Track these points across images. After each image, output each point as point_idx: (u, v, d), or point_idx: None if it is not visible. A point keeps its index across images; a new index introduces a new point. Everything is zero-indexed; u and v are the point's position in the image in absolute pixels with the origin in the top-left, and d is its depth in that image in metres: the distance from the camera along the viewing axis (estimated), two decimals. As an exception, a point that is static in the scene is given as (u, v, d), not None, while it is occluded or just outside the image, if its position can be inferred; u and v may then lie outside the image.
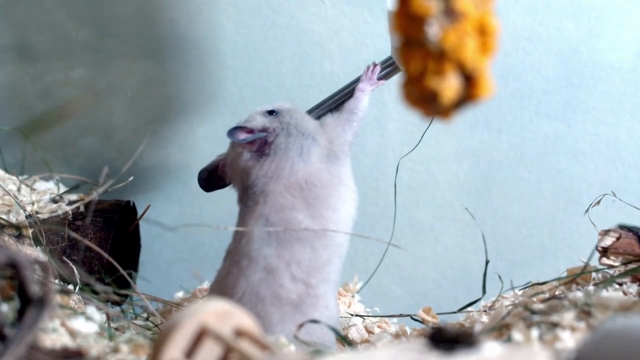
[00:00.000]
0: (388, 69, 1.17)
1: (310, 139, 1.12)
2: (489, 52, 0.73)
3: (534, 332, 0.85)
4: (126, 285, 1.30)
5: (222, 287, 1.07)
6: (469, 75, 0.72)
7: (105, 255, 1.14)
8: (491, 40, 0.72)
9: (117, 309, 1.23)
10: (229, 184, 1.18)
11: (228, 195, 1.21)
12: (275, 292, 1.04)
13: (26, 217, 1.21)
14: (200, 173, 1.20)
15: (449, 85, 0.72)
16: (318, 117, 1.18)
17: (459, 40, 0.71)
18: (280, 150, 1.11)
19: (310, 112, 1.19)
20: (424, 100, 0.73)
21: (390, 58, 1.17)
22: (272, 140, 1.12)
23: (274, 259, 1.05)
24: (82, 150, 1.54)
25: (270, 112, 1.16)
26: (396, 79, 1.16)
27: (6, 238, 1.04)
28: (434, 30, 0.71)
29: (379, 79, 1.18)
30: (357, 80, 1.18)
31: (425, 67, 0.72)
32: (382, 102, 1.46)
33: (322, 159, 1.12)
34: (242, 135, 1.12)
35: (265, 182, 1.10)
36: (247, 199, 1.11)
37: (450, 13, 0.70)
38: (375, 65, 1.18)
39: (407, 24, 0.72)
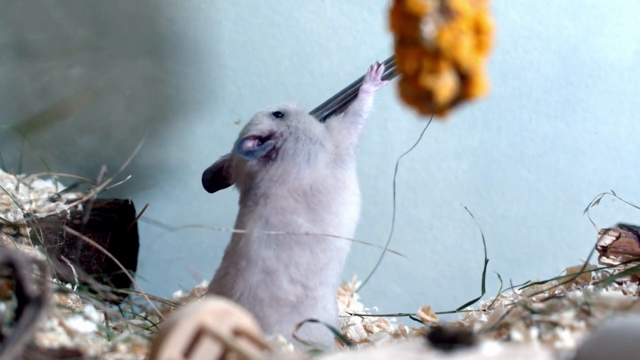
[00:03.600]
0: (391, 68, 1.16)
1: (318, 144, 1.11)
2: (484, 51, 0.72)
3: (534, 332, 0.84)
4: (124, 284, 1.30)
5: (220, 287, 1.07)
6: (464, 74, 0.72)
7: (105, 251, 1.14)
8: (487, 38, 0.72)
9: (115, 308, 1.23)
10: (232, 184, 1.18)
11: (227, 194, 1.21)
12: (273, 294, 1.04)
13: (24, 216, 1.21)
14: (205, 174, 1.19)
15: (445, 84, 0.71)
16: (323, 119, 1.17)
17: (455, 38, 0.71)
18: (288, 156, 1.10)
19: (314, 113, 1.18)
20: (419, 99, 0.73)
21: (393, 57, 1.16)
22: (279, 146, 1.11)
23: (273, 260, 1.05)
24: (80, 149, 1.53)
25: (277, 114, 1.15)
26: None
27: (4, 237, 1.04)
28: (429, 29, 0.70)
29: (383, 79, 1.16)
30: (361, 80, 1.17)
31: (421, 66, 0.72)
32: (381, 100, 1.46)
33: (329, 165, 1.11)
34: (250, 143, 1.11)
35: (269, 186, 1.09)
36: (248, 199, 1.11)
37: (446, 11, 0.70)
38: (379, 65, 1.17)
39: (403, 22, 0.72)
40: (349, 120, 1.15)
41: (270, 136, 1.12)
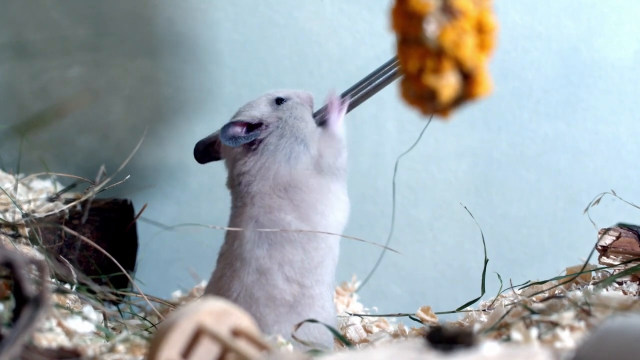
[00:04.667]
0: (391, 71, 1.15)
1: (302, 145, 1.11)
2: (487, 50, 0.72)
3: (534, 332, 0.84)
4: (123, 284, 1.29)
5: (217, 289, 1.07)
6: (467, 73, 0.72)
7: (104, 252, 1.14)
8: (489, 38, 0.72)
9: (114, 308, 1.23)
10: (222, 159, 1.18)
11: (226, 195, 1.20)
12: (269, 293, 1.04)
13: (23, 216, 1.21)
14: (197, 145, 1.19)
15: (447, 84, 0.71)
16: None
17: (457, 38, 0.70)
18: (268, 151, 1.10)
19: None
20: (422, 98, 0.73)
21: (391, 61, 1.15)
22: (262, 137, 1.11)
23: (266, 259, 1.05)
24: (79, 148, 1.53)
25: (279, 100, 1.14)
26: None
27: (2, 237, 1.03)
28: (432, 28, 0.70)
29: (349, 106, 1.15)
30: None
31: (424, 65, 0.72)
32: (380, 100, 1.46)
33: (309, 167, 1.11)
34: (238, 129, 1.11)
35: (249, 181, 1.09)
36: (236, 198, 1.11)
37: (449, 11, 0.70)
38: (338, 98, 1.15)
39: (405, 21, 0.72)
40: (336, 145, 1.13)
41: (259, 124, 1.12)
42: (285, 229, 1.06)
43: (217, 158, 1.19)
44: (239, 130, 1.11)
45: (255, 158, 1.10)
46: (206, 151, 1.19)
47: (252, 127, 1.12)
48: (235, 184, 1.12)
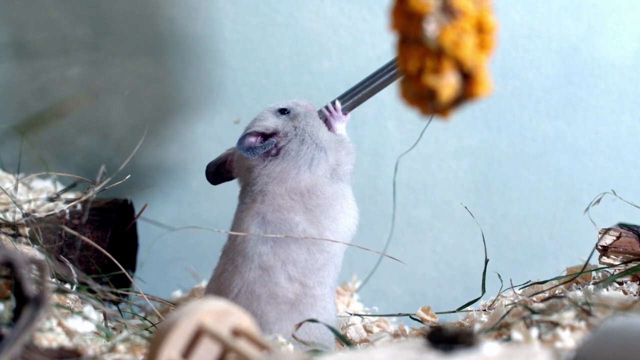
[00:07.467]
0: (391, 71, 1.15)
1: (323, 152, 1.11)
2: (487, 50, 0.72)
3: (534, 332, 0.84)
4: (123, 284, 1.29)
5: (218, 285, 1.07)
6: (467, 73, 0.72)
7: (104, 251, 1.14)
8: (489, 37, 0.72)
9: (114, 308, 1.23)
10: (235, 178, 1.18)
11: (226, 194, 1.21)
12: (270, 291, 1.04)
13: (23, 215, 1.21)
14: (208, 166, 1.19)
15: (447, 83, 0.71)
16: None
17: (457, 37, 0.70)
18: (290, 156, 1.10)
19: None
20: (421, 98, 0.73)
21: (392, 61, 1.15)
22: (282, 145, 1.11)
23: (270, 256, 1.05)
24: (79, 148, 1.53)
25: (283, 111, 1.15)
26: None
27: (2, 237, 1.03)
28: (432, 28, 0.70)
29: (345, 110, 1.17)
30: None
31: (424, 65, 0.71)
32: (380, 100, 1.46)
33: (327, 174, 1.11)
34: (253, 139, 1.11)
35: (266, 182, 1.09)
36: (246, 195, 1.11)
37: (448, 10, 0.70)
38: (333, 103, 1.17)
39: (405, 21, 0.72)
40: (352, 152, 1.15)
41: (274, 134, 1.11)
42: (291, 230, 1.06)
43: (229, 178, 1.19)
44: (253, 140, 1.11)
45: (276, 162, 1.10)
46: (218, 172, 1.19)
47: (265, 137, 1.12)
48: (249, 184, 1.11)
